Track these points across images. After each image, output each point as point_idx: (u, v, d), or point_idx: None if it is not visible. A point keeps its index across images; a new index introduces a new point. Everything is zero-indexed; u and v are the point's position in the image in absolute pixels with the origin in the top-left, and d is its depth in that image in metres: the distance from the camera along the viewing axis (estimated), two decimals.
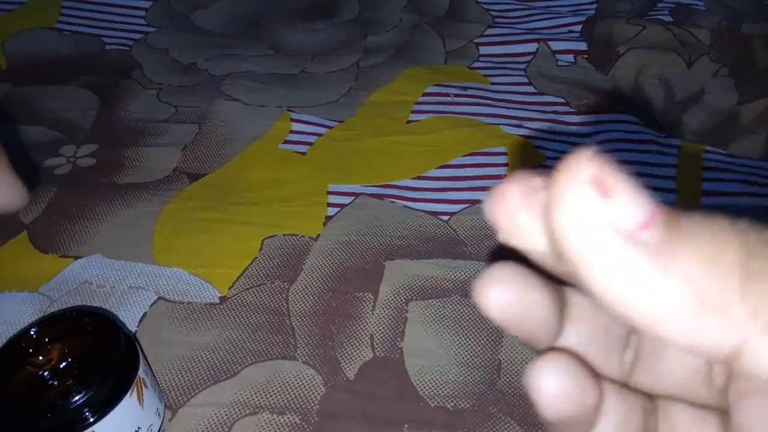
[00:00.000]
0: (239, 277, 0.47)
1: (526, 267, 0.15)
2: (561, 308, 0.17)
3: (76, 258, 0.49)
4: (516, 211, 0.14)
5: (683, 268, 0.12)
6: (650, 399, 0.17)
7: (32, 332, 0.36)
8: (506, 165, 0.55)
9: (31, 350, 0.36)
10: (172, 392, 0.41)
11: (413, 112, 0.61)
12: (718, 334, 0.12)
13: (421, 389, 0.41)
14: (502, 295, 0.15)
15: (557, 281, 0.16)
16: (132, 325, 0.44)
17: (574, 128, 0.59)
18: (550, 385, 0.15)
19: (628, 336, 0.18)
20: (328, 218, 0.51)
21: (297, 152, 0.57)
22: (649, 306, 0.12)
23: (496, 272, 0.15)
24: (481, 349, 0.43)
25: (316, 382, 0.41)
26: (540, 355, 0.16)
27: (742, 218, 0.13)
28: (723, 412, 0.16)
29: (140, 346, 0.39)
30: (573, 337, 0.17)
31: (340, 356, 0.43)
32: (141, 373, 0.36)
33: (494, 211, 0.14)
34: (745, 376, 0.15)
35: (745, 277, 0.12)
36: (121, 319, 0.44)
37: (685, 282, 0.12)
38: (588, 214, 0.12)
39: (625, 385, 0.17)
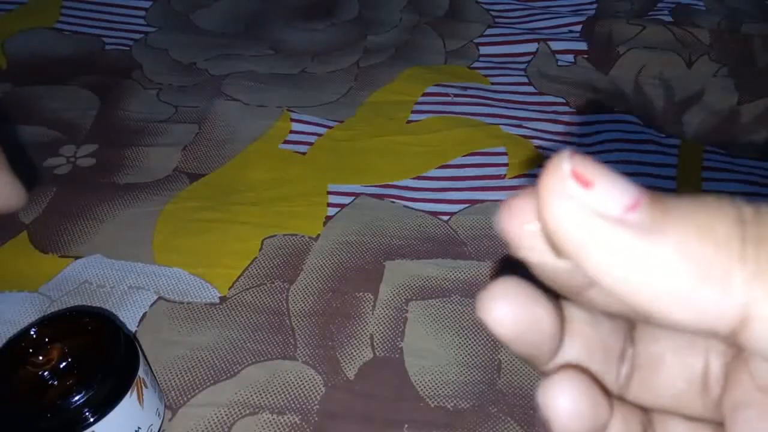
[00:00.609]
0: (239, 277, 0.47)
1: (529, 281, 0.15)
2: (562, 323, 0.17)
3: (76, 258, 0.49)
4: (527, 223, 0.14)
5: (676, 240, 0.12)
6: (646, 413, 0.17)
7: (32, 332, 0.36)
8: (506, 165, 0.55)
9: (31, 350, 0.36)
10: (172, 392, 0.41)
11: (413, 112, 0.61)
12: (720, 303, 0.12)
13: (421, 389, 0.41)
14: (508, 311, 0.15)
15: (555, 295, 0.16)
16: (132, 325, 0.44)
17: (574, 128, 0.59)
18: (565, 404, 0.15)
19: (624, 349, 0.17)
20: (328, 218, 0.51)
21: (297, 152, 0.57)
22: (648, 284, 0.12)
23: (501, 288, 0.15)
24: (481, 349, 0.43)
25: (316, 382, 0.41)
26: (551, 372, 0.15)
27: (736, 197, 0.13)
28: (718, 425, 0.16)
29: (140, 346, 0.39)
30: (571, 351, 0.17)
31: (340, 356, 0.43)
32: (141, 373, 0.36)
33: (505, 224, 0.14)
34: (748, 371, 0.15)
35: (743, 243, 0.12)
36: (121, 319, 0.44)
37: (680, 253, 0.12)
38: (574, 206, 0.13)
39: (622, 399, 0.17)
